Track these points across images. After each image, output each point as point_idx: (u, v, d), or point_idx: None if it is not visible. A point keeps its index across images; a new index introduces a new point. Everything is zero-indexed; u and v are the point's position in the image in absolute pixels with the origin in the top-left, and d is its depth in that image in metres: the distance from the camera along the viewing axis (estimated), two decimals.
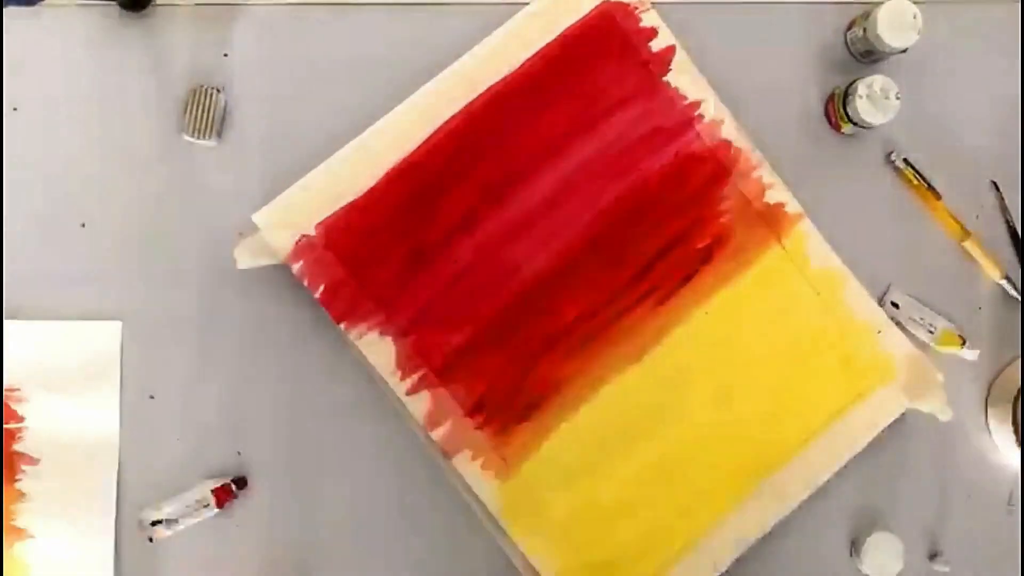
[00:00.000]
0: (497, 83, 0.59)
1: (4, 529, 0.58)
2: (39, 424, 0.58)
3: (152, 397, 0.60)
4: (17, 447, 0.58)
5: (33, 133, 0.60)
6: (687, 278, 0.61)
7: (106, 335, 0.59)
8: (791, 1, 0.64)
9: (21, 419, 0.58)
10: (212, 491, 0.58)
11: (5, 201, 0.60)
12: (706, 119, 0.62)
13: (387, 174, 0.58)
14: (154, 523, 0.57)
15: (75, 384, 0.59)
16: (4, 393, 0.58)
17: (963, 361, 0.64)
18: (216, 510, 0.58)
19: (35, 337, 0.59)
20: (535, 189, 0.60)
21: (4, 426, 0.58)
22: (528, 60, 0.60)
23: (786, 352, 0.62)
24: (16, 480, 0.58)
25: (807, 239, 0.62)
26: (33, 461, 0.58)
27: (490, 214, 0.60)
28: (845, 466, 0.62)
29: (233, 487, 0.59)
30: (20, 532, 0.58)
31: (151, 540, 0.58)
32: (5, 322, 0.59)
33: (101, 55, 0.60)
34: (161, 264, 0.60)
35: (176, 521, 0.57)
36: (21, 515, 0.58)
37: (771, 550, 0.62)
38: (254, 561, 0.61)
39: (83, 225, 0.60)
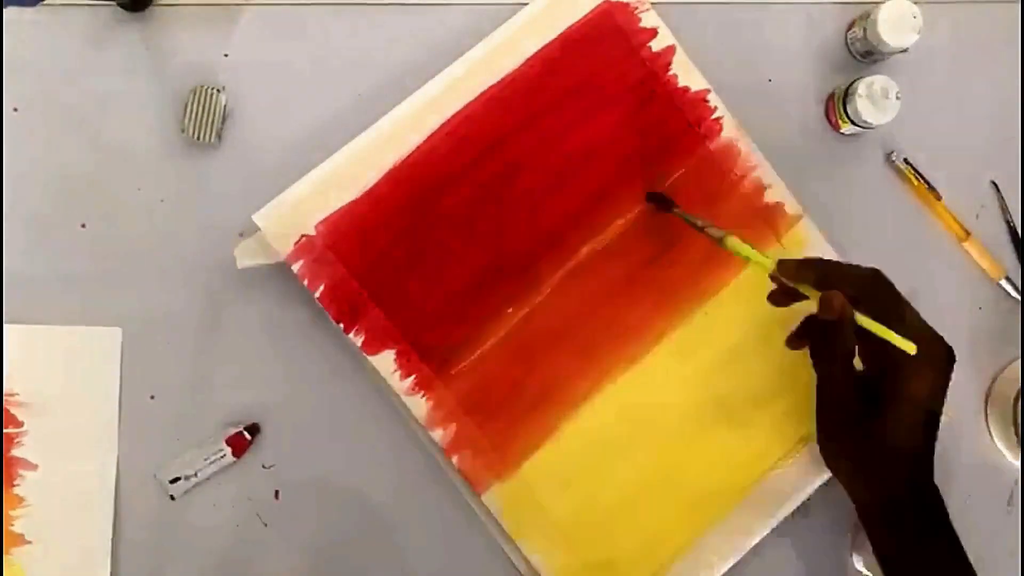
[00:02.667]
0: (497, 83, 0.59)
1: (3, 534, 0.58)
2: (38, 429, 0.58)
3: (152, 397, 0.60)
4: (16, 452, 0.58)
5: (33, 133, 0.60)
6: (687, 278, 0.61)
7: (106, 341, 0.59)
8: (791, 1, 0.64)
9: (20, 424, 0.58)
10: (225, 441, 0.59)
11: (5, 201, 0.60)
12: (706, 119, 0.62)
13: (388, 173, 0.58)
14: (173, 481, 0.59)
15: (74, 390, 0.59)
16: (4, 398, 0.58)
17: (963, 361, 0.64)
18: (233, 459, 0.59)
19: (35, 342, 0.59)
20: (535, 189, 0.60)
21: (3, 431, 0.58)
22: (528, 60, 0.60)
23: (786, 352, 0.62)
24: (14, 485, 0.58)
25: (807, 239, 0.62)
26: (31, 466, 0.58)
27: (491, 214, 0.60)
28: None
29: (246, 434, 0.59)
30: (18, 537, 0.58)
31: (172, 498, 0.60)
32: (5, 326, 0.59)
33: (101, 55, 0.60)
34: (161, 264, 0.60)
35: (194, 475, 0.59)
36: (19, 520, 0.58)
37: (771, 550, 0.62)
38: (255, 558, 0.61)
39: (83, 226, 0.60)
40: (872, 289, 0.52)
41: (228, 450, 0.59)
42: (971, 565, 0.52)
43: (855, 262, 0.62)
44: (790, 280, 0.53)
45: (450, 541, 0.61)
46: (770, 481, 0.61)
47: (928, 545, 0.53)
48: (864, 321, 0.50)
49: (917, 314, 0.52)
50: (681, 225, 0.61)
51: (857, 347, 0.53)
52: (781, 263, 0.53)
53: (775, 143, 0.63)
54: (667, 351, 0.61)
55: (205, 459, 0.59)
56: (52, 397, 0.59)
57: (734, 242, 0.54)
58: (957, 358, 0.53)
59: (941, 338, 0.52)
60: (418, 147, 0.59)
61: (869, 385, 0.52)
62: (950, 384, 0.52)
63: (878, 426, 0.51)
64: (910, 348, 0.49)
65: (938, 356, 0.52)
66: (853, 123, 0.61)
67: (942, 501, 0.53)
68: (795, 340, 0.57)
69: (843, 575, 0.63)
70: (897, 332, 0.49)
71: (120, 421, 0.60)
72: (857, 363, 0.53)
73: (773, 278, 0.54)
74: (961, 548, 0.52)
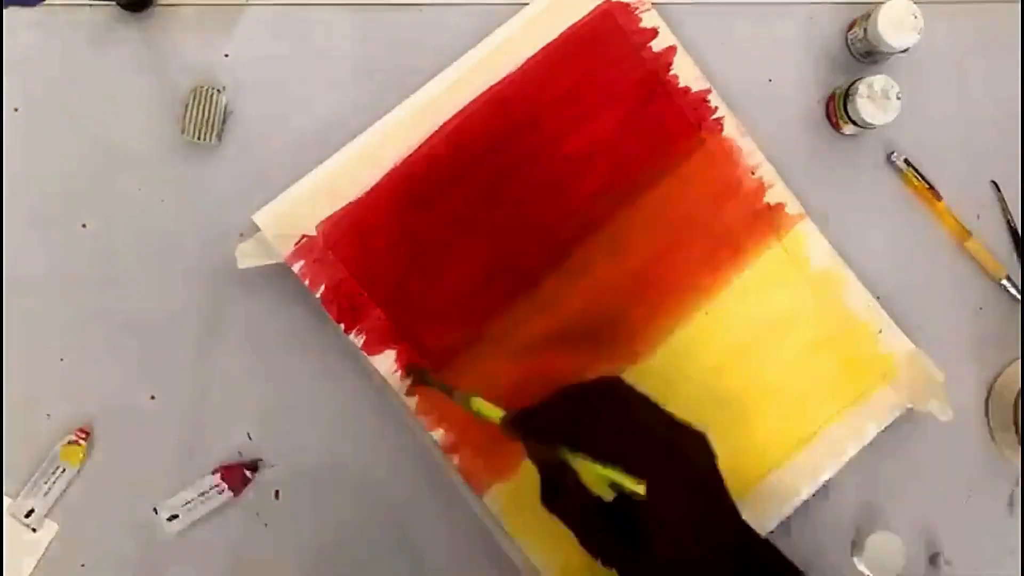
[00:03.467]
0: (497, 83, 0.59)
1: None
2: None
3: (153, 397, 0.60)
4: None
5: (33, 133, 0.60)
6: (687, 278, 0.61)
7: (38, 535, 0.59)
8: (791, 1, 0.64)
9: None
10: (222, 477, 0.59)
11: (5, 201, 0.60)
12: (707, 119, 0.62)
13: (388, 173, 0.58)
14: (170, 519, 0.59)
15: None
16: None
17: (963, 361, 0.64)
18: (231, 495, 0.59)
19: None
20: (536, 189, 0.60)
21: None
22: (528, 60, 0.60)
23: (786, 353, 0.62)
24: None
25: (807, 239, 0.62)
26: None
27: (491, 213, 0.60)
28: (845, 466, 0.62)
29: (246, 472, 0.59)
30: None
31: (173, 518, 0.59)
32: None
33: (101, 55, 0.60)
34: (161, 264, 0.60)
35: (190, 512, 0.59)
36: None
37: None
38: (255, 557, 0.61)
39: (83, 225, 0.60)
40: (600, 412, 0.46)
41: (225, 485, 0.59)
42: None
43: (856, 262, 0.63)
44: (512, 438, 0.48)
45: (450, 541, 0.61)
46: (770, 481, 0.61)
47: None
48: (582, 466, 0.44)
49: (660, 416, 0.47)
50: (683, 225, 0.61)
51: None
52: (503, 422, 0.49)
53: (775, 143, 0.63)
54: (666, 351, 0.61)
55: (200, 493, 0.59)
56: None
57: (479, 403, 0.51)
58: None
59: (692, 438, 0.46)
60: (418, 147, 0.59)
61: (627, 513, 0.44)
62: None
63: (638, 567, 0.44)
64: (638, 490, 0.43)
65: (683, 468, 0.45)
66: (853, 123, 0.61)
67: None
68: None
69: (843, 575, 0.63)
70: (629, 457, 0.43)
71: (121, 420, 0.60)
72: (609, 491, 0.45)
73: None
74: None
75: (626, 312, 0.61)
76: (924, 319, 0.64)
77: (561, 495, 0.46)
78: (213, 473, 0.59)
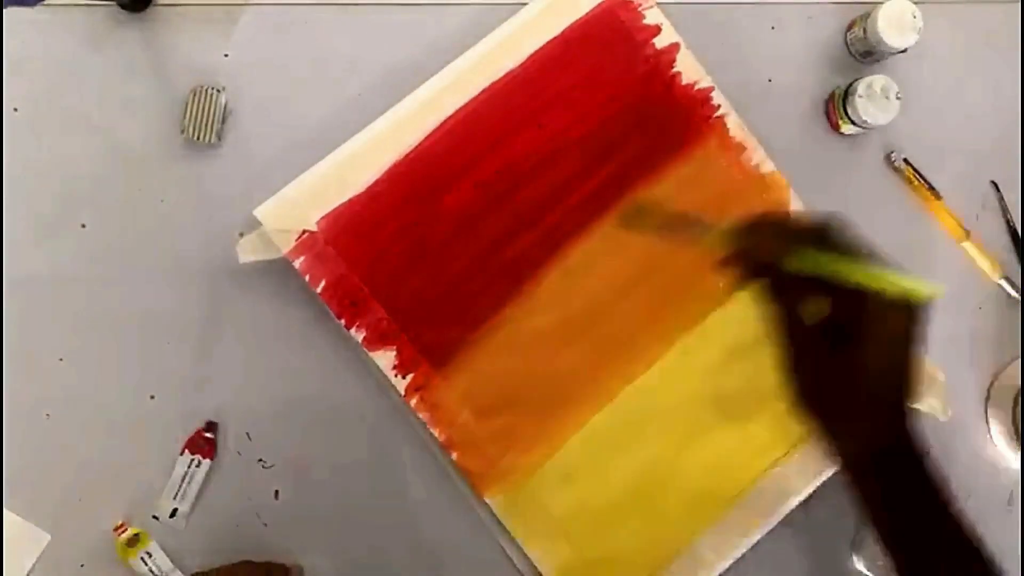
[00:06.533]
0: (500, 79, 0.59)
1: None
2: None
3: (152, 397, 0.60)
4: None
5: (33, 133, 0.60)
6: (689, 276, 0.61)
7: (29, 541, 0.59)
8: (791, 1, 0.64)
9: None
10: (189, 451, 0.59)
11: (5, 201, 0.60)
12: (709, 117, 0.61)
13: (390, 169, 0.58)
14: (172, 514, 0.60)
15: None
16: None
17: (963, 361, 0.64)
18: (209, 461, 0.60)
19: None
20: (538, 185, 0.60)
21: None
22: (530, 56, 0.60)
23: None
24: None
25: None
26: None
27: (493, 210, 0.60)
28: None
29: (205, 435, 0.60)
30: None
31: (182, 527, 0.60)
32: None
33: (101, 55, 0.60)
34: (161, 264, 0.60)
35: (185, 497, 0.59)
36: None
37: (770, 549, 0.62)
38: (256, 557, 0.61)
39: (83, 225, 0.60)
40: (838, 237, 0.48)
41: (197, 458, 0.59)
42: (969, 518, 0.49)
43: None
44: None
45: (452, 539, 0.61)
46: (770, 480, 0.61)
47: (925, 496, 0.49)
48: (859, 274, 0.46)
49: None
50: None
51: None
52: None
53: (775, 143, 0.63)
54: (670, 349, 0.61)
55: (181, 478, 0.59)
56: None
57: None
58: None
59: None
60: (419, 144, 0.59)
61: (836, 330, 0.46)
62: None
63: (855, 367, 0.46)
64: (937, 291, 0.45)
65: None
66: (853, 123, 0.61)
67: (930, 453, 0.49)
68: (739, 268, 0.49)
69: (843, 575, 0.63)
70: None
71: (121, 420, 0.60)
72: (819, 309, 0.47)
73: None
74: (956, 499, 0.49)
75: (628, 310, 0.61)
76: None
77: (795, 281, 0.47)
78: (181, 454, 0.59)
